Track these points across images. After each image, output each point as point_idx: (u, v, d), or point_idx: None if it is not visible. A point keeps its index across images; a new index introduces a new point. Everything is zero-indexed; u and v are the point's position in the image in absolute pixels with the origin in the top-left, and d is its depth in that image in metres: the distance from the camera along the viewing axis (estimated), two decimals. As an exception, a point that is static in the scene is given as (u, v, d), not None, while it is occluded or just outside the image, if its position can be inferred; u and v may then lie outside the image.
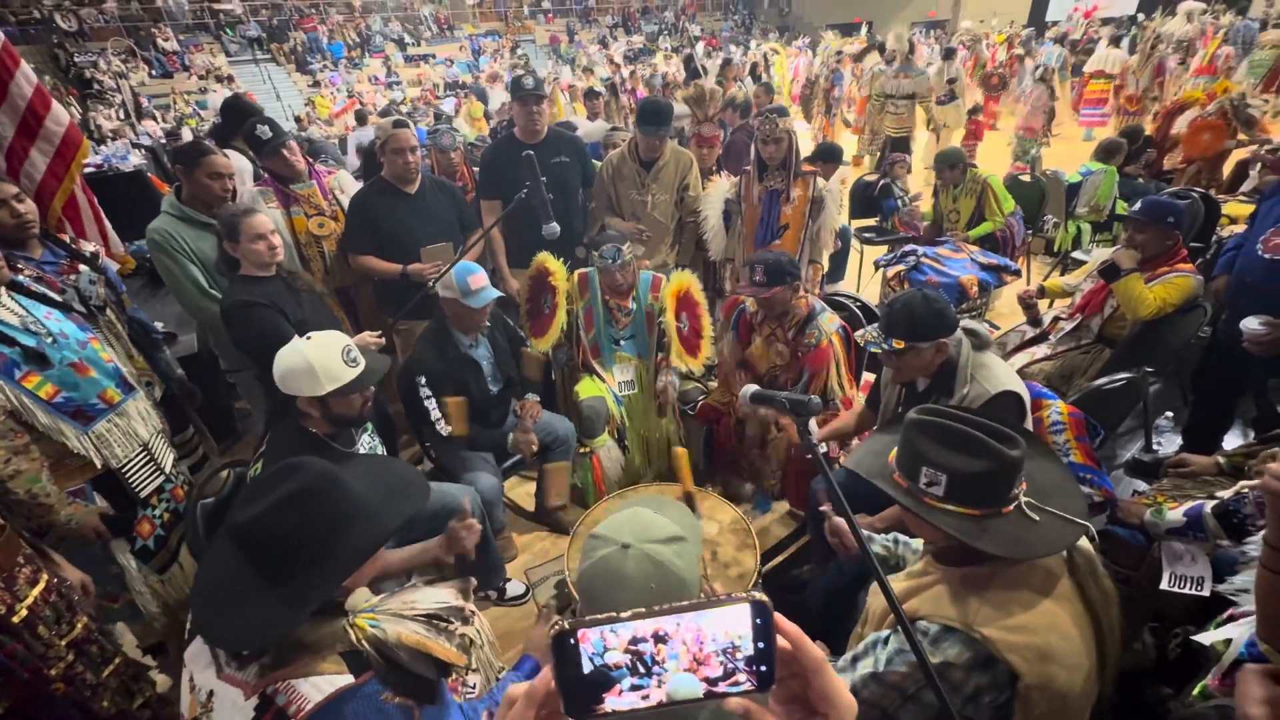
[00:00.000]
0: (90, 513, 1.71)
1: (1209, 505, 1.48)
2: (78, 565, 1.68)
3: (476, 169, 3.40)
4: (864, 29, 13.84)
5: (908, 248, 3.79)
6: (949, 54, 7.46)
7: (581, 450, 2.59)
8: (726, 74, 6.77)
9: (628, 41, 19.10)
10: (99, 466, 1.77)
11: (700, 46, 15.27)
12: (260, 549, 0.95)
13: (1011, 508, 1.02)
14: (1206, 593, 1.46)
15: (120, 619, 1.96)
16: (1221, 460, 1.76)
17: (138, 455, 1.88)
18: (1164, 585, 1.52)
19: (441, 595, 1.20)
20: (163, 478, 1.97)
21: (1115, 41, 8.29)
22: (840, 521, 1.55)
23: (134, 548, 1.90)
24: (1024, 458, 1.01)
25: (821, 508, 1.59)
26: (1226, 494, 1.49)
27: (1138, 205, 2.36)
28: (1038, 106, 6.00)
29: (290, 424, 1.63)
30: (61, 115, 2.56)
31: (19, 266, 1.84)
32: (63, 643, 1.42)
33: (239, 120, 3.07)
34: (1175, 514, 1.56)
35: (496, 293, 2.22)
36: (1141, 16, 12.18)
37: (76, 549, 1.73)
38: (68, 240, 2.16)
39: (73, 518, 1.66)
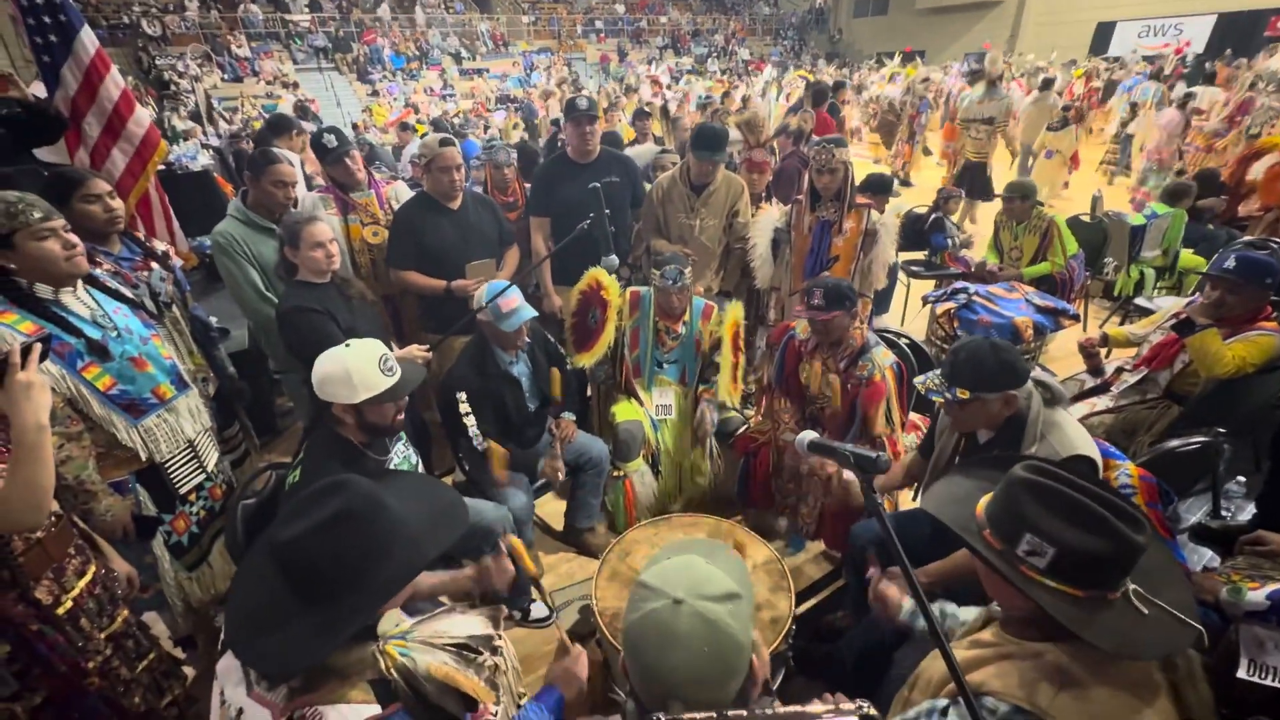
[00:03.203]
0: (125, 507, 1.73)
1: (1294, 591, 1.36)
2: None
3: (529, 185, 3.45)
4: (896, 58, 13.98)
5: (958, 284, 3.66)
6: (1046, 84, 7.48)
7: (615, 474, 2.56)
8: (840, 97, 6.70)
9: (676, 62, 19.34)
10: (143, 460, 1.80)
11: (769, 71, 15.35)
12: (299, 570, 0.94)
13: (1119, 594, 0.92)
14: (1292, 686, 1.34)
15: (150, 608, 1.99)
16: (1306, 541, 1.62)
17: (182, 452, 1.91)
18: (1241, 674, 1.39)
19: (473, 624, 1.17)
20: (204, 475, 2.00)
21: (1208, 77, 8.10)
22: (887, 588, 1.47)
23: (168, 542, 1.93)
24: (1148, 544, 0.90)
25: (868, 574, 1.51)
26: (1316, 580, 1.36)
27: (1231, 263, 2.16)
28: (1173, 134, 5.74)
29: (327, 430, 1.64)
30: (143, 117, 2.69)
31: (97, 260, 1.92)
32: (102, 636, 1.44)
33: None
34: (1256, 595, 1.44)
35: (529, 313, 2.18)
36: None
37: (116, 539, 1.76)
38: (141, 238, 2.25)
39: (110, 509, 1.68)
